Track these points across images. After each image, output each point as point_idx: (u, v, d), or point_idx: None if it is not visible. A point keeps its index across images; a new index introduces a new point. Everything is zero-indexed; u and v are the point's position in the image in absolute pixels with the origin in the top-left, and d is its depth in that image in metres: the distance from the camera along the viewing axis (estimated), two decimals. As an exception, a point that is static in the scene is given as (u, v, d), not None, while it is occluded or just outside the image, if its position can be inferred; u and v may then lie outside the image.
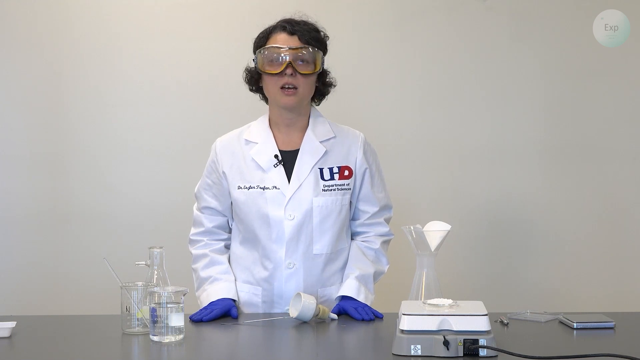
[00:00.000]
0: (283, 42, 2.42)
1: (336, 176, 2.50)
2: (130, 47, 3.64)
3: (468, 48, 3.69)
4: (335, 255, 2.52)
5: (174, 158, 3.64)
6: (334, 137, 2.53)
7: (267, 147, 2.50)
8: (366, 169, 2.54)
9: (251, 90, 2.57)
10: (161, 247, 2.28)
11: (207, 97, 3.65)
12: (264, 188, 2.47)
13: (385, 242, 2.62)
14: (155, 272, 2.26)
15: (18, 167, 3.64)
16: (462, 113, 3.70)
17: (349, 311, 2.38)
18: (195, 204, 2.64)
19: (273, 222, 2.45)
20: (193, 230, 2.62)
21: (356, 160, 2.53)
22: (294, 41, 2.42)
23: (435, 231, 2.25)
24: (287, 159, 2.49)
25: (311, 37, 2.44)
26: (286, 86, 2.42)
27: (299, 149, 2.50)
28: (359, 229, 2.59)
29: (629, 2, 3.64)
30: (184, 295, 2.07)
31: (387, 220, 2.62)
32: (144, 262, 2.29)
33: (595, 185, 3.70)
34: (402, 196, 3.53)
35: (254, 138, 2.53)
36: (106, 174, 3.65)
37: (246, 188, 2.48)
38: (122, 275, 2.21)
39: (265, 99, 2.55)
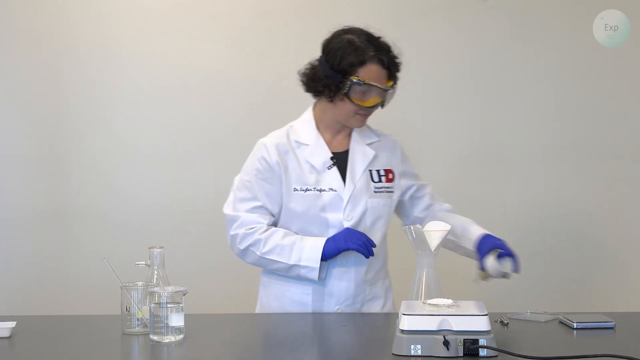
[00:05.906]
0: (377, 76, 2.43)
1: (383, 179, 2.55)
2: (130, 47, 3.64)
3: (468, 48, 3.68)
4: (378, 256, 2.53)
5: (174, 158, 3.63)
6: (378, 140, 2.58)
7: (319, 149, 2.51)
8: (403, 170, 2.62)
9: (308, 91, 2.52)
10: (161, 247, 2.28)
11: (208, 98, 3.63)
12: (320, 190, 2.48)
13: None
14: (155, 272, 2.26)
15: (18, 167, 3.63)
16: (462, 113, 3.69)
17: (502, 246, 2.48)
18: (231, 206, 2.49)
19: (332, 224, 2.47)
20: (244, 227, 2.45)
21: (397, 164, 2.60)
22: (386, 77, 2.46)
23: (435, 231, 2.25)
24: (337, 161, 2.52)
25: (398, 71, 2.50)
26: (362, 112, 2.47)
27: (346, 151, 2.53)
28: (421, 214, 2.64)
29: (629, 2, 3.64)
30: (184, 295, 2.07)
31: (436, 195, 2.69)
32: (144, 262, 2.29)
33: (596, 184, 3.69)
34: (402, 196, 3.52)
35: (303, 140, 2.52)
36: (106, 174, 3.64)
37: (303, 190, 2.48)
38: (122, 275, 2.21)
39: (319, 94, 2.50)
